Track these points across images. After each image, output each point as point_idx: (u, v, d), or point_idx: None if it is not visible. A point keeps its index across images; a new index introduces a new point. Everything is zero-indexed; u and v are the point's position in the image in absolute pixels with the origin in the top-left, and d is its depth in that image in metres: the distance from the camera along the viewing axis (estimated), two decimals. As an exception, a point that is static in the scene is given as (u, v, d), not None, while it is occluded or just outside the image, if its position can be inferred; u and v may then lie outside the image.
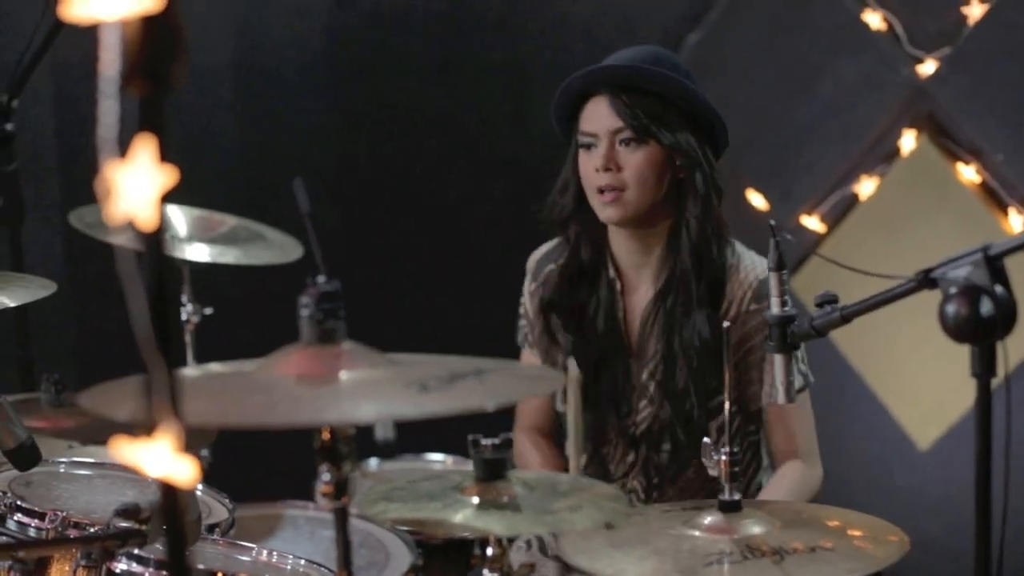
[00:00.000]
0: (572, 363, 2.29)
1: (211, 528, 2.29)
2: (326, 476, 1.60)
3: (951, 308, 1.63)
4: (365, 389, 1.58)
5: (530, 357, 2.70)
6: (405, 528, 2.53)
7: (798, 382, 2.08)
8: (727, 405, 2.03)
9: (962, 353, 1.65)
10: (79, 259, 3.72)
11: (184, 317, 3.16)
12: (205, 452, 3.06)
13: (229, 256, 3.10)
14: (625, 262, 2.58)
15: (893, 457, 3.81)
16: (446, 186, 4.19)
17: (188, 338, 3.17)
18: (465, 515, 1.79)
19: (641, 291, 2.58)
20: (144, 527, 1.81)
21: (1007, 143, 3.64)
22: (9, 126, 3.08)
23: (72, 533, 2.09)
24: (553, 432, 2.77)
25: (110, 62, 1.12)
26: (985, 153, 3.67)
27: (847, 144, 3.82)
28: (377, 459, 3.28)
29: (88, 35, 1.17)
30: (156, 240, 1.14)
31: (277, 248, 3.19)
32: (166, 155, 1.13)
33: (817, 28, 3.83)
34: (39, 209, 3.61)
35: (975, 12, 3.65)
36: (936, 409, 3.73)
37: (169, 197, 1.14)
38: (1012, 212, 3.65)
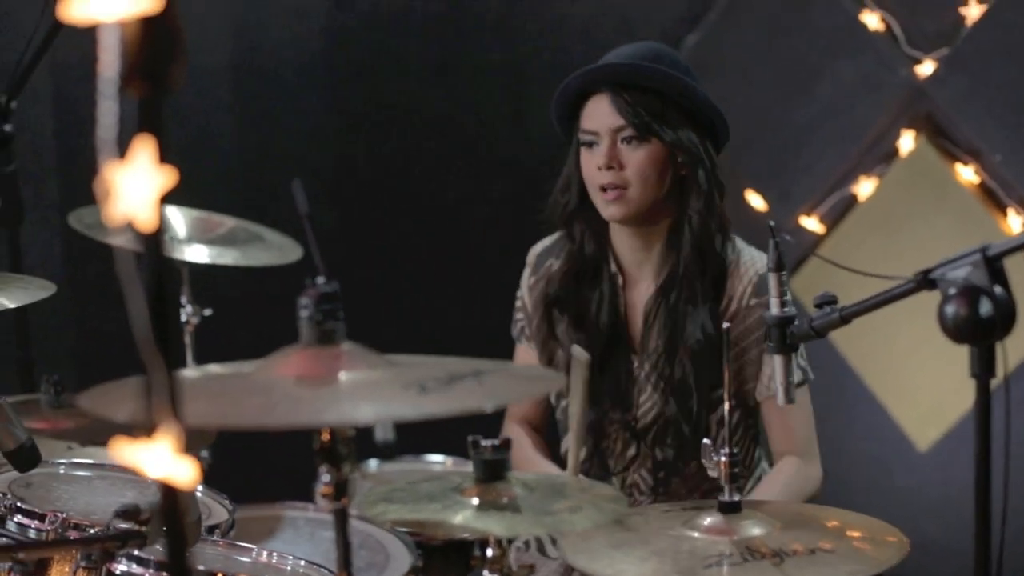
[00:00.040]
0: (577, 349, 2.30)
1: (211, 529, 2.29)
2: (326, 477, 1.60)
3: (950, 309, 1.63)
4: (364, 390, 1.58)
5: (526, 351, 2.70)
6: (405, 529, 2.53)
7: (797, 377, 2.08)
8: (727, 406, 2.03)
9: (961, 354, 1.65)
10: (78, 260, 3.72)
11: (183, 318, 3.16)
12: (205, 453, 3.06)
13: (228, 257, 3.10)
14: (627, 258, 2.59)
15: (892, 458, 3.81)
16: (445, 187, 4.19)
17: (187, 339, 3.17)
18: (465, 516, 1.80)
19: (642, 286, 2.58)
20: (144, 528, 1.81)
21: (1005, 144, 3.64)
22: (8, 127, 3.08)
23: (72, 534, 2.09)
24: (543, 426, 2.77)
25: (109, 63, 1.12)
26: (983, 154, 3.67)
27: (846, 145, 3.82)
28: (377, 460, 3.28)
29: (87, 36, 1.17)
30: (155, 241, 1.14)
31: (276, 249, 3.19)
32: (165, 156, 1.13)
33: (815, 29, 3.83)
34: (38, 210, 3.61)
35: (973, 13, 3.65)
36: (935, 410, 3.73)
37: (168, 198, 1.14)
38: (1011, 213, 3.65)
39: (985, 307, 1.61)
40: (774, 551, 1.86)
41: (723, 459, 1.98)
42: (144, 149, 1.12)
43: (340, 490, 1.60)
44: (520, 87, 4.13)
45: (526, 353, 2.70)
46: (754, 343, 2.50)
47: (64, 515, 2.10)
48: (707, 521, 1.95)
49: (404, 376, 1.62)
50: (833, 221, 3.85)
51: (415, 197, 4.18)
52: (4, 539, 2.11)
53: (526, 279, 2.70)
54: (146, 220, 1.13)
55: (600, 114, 2.48)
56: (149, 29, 1.11)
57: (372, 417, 1.97)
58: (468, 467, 1.90)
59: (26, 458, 2.13)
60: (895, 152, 3.79)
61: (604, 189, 2.48)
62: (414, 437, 3.17)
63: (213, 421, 1.68)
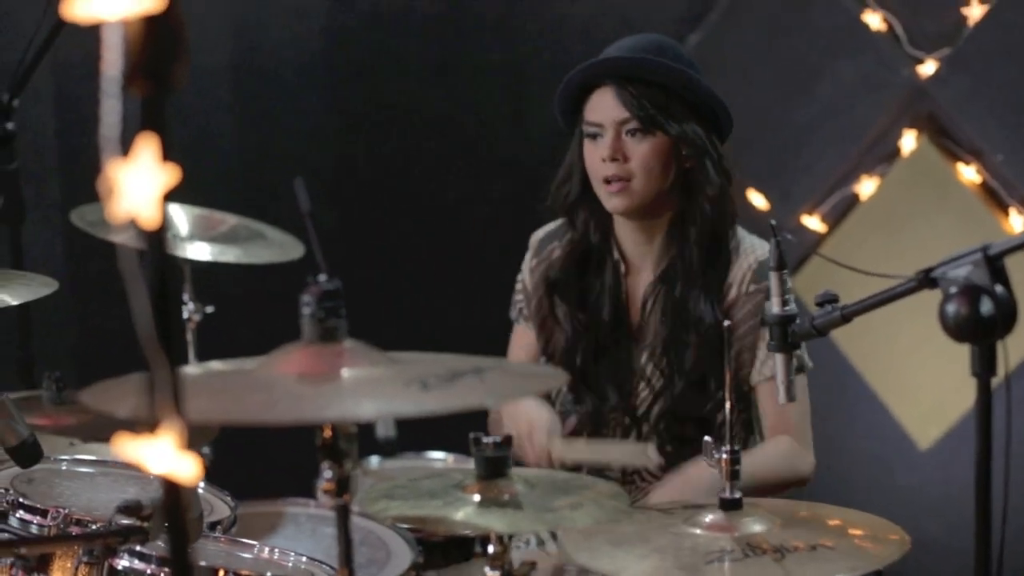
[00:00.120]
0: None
1: (213, 526, 2.29)
2: (328, 474, 1.61)
3: (951, 308, 1.63)
4: (366, 387, 1.58)
5: (523, 332, 2.71)
6: (406, 526, 2.53)
7: (794, 360, 2.08)
8: (728, 404, 2.04)
9: (962, 353, 1.65)
10: (80, 258, 3.72)
11: (185, 315, 3.16)
12: (206, 450, 3.07)
13: (230, 255, 3.10)
14: (629, 249, 2.60)
15: (893, 456, 3.81)
16: (445, 186, 4.19)
17: (189, 336, 3.17)
18: (466, 513, 1.80)
19: (643, 275, 2.60)
20: (146, 524, 1.81)
21: (1007, 143, 3.64)
22: (10, 125, 3.08)
23: (74, 530, 2.09)
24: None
25: (112, 62, 1.12)
26: (985, 153, 3.67)
27: (847, 144, 3.82)
28: (378, 457, 3.28)
29: (88, 35, 1.18)
30: (158, 239, 1.14)
31: (278, 247, 3.20)
32: (168, 154, 1.13)
33: (817, 29, 3.83)
34: (40, 208, 3.62)
35: (975, 13, 3.66)
36: (936, 409, 3.73)
37: (170, 196, 1.15)
38: (1012, 212, 3.65)
39: (986, 306, 1.61)
40: (775, 547, 1.86)
41: (724, 456, 1.98)
42: (147, 147, 1.13)
43: (342, 486, 1.61)
44: (520, 87, 4.13)
45: (523, 334, 2.71)
46: (751, 329, 2.50)
47: (66, 511, 2.10)
48: (708, 518, 1.95)
49: (406, 373, 1.62)
50: (835, 220, 3.85)
51: (415, 196, 4.18)
52: (6, 535, 2.11)
53: (527, 261, 2.71)
54: (149, 218, 1.13)
55: (605, 107, 2.49)
56: (152, 28, 1.12)
57: (374, 414, 1.98)
58: (469, 464, 1.90)
59: (28, 454, 2.14)
60: (897, 152, 3.79)
61: (608, 181, 2.49)
62: (415, 434, 3.17)
63: (215, 418, 1.68)
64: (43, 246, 3.69)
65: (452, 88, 4.16)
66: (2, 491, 2.16)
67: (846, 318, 1.95)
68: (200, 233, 3.16)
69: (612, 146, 2.48)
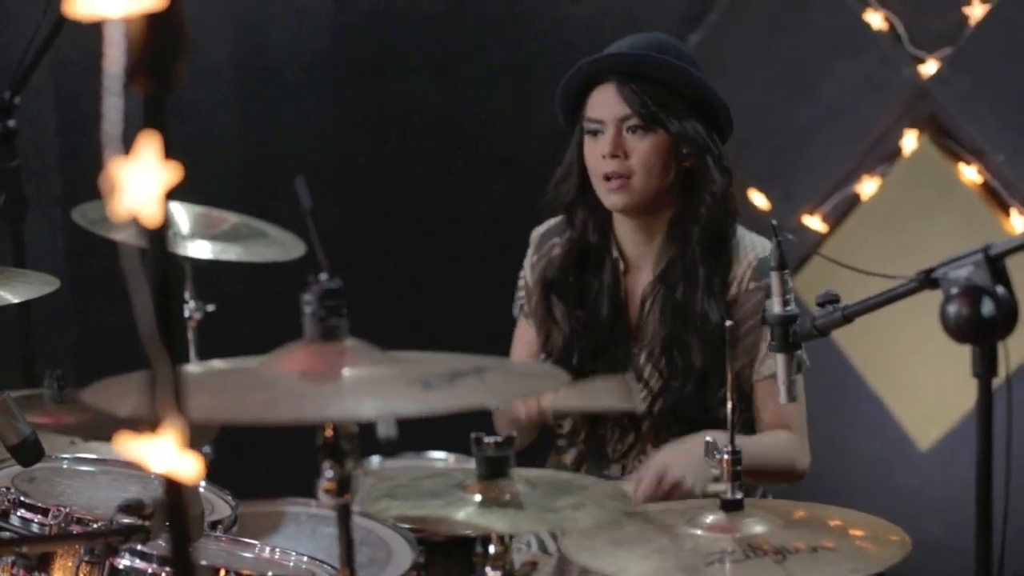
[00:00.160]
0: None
1: (214, 525, 2.29)
2: (329, 473, 1.61)
3: (952, 308, 1.63)
4: (367, 386, 1.58)
5: (526, 328, 2.71)
6: (407, 526, 2.53)
7: (795, 360, 2.08)
8: (729, 404, 2.04)
9: (963, 353, 1.65)
10: (81, 255, 3.72)
11: (186, 314, 3.16)
12: (207, 449, 3.07)
13: (231, 253, 3.10)
14: (628, 247, 2.60)
15: (894, 457, 3.81)
16: (447, 185, 4.19)
17: (190, 335, 3.17)
18: (467, 513, 1.80)
19: (643, 275, 2.59)
20: (147, 523, 1.81)
21: (1008, 143, 3.64)
22: (11, 123, 3.08)
23: (75, 529, 2.09)
24: None
25: (114, 59, 1.12)
26: (986, 153, 3.67)
27: (849, 144, 3.82)
28: (379, 457, 3.28)
29: (89, 32, 1.18)
30: (160, 237, 1.14)
31: (279, 245, 3.19)
32: (170, 152, 1.13)
33: (818, 28, 3.83)
34: (41, 206, 3.62)
35: (976, 12, 3.65)
36: (937, 409, 3.73)
37: (171, 194, 1.15)
38: (1013, 212, 3.65)
39: (987, 307, 1.61)
40: (776, 549, 1.86)
41: (725, 457, 1.98)
42: (149, 145, 1.12)
43: (343, 486, 1.61)
44: (523, 86, 4.13)
45: (526, 331, 2.71)
46: (752, 328, 2.50)
47: (67, 510, 2.10)
48: (709, 519, 1.95)
49: (407, 372, 1.62)
50: (836, 220, 3.85)
51: (417, 195, 4.18)
52: (7, 533, 2.11)
53: (529, 257, 2.71)
54: (151, 216, 1.13)
55: (606, 103, 2.49)
56: (154, 25, 1.11)
57: (375, 413, 1.98)
58: (471, 464, 1.90)
59: (29, 453, 2.14)
60: (898, 152, 3.79)
61: (608, 178, 2.49)
62: (417, 433, 3.16)
63: (216, 416, 1.68)
64: (44, 244, 3.69)
65: (454, 87, 4.16)
66: (3, 490, 2.15)
67: (847, 318, 1.95)
68: (201, 231, 3.16)
69: (613, 142, 2.48)
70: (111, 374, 1.60)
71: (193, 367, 1.78)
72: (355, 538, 1.65)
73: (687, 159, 2.51)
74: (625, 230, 2.59)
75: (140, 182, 1.12)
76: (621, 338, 2.59)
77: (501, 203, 3.89)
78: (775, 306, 2.04)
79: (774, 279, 2.05)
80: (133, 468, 2.35)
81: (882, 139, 3.80)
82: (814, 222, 3.86)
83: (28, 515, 2.12)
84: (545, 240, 2.69)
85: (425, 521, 1.94)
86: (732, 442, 1.99)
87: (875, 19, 3.77)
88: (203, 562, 2.10)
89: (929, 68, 3.72)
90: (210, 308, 3.19)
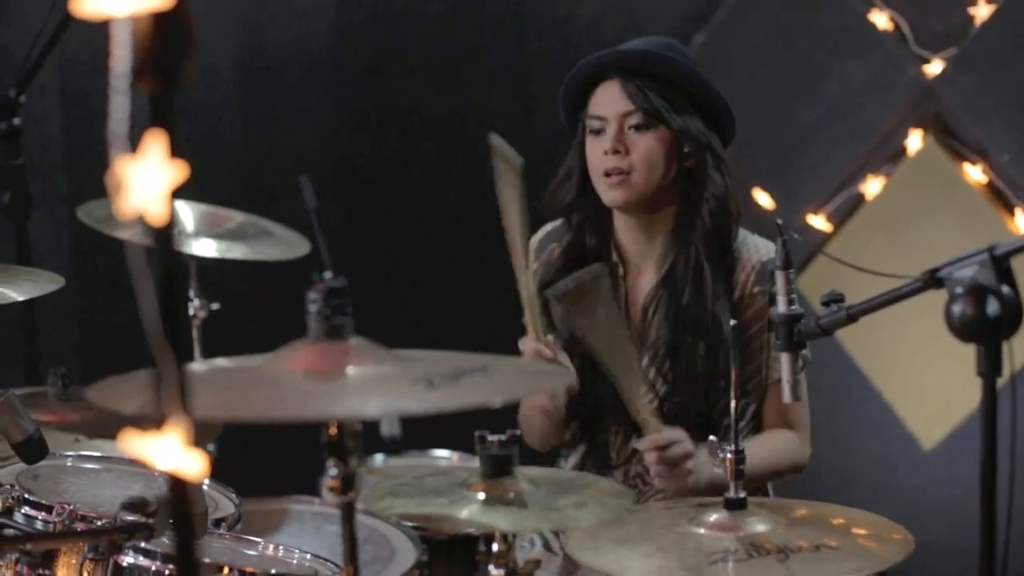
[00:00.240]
0: (497, 138, 2.32)
1: (217, 522, 2.29)
2: (333, 471, 1.61)
3: (957, 308, 1.63)
4: (372, 384, 1.58)
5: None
6: (410, 524, 2.53)
7: (799, 360, 2.09)
8: (733, 404, 2.04)
9: (968, 353, 1.65)
10: (86, 254, 3.73)
11: (191, 312, 3.16)
12: (211, 447, 3.07)
13: (236, 252, 3.10)
14: (629, 249, 2.59)
15: (898, 457, 3.81)
16: (451, 184, 4.19)
17: (195, 333, 3.17)
18: (471, 511, 1.80)
19: (644, 278, 2.59)
20: (151, 520, 1.81)
21: (1013, 143, 3.64)
22: (16, 121, 3.09)
23: (79, 526, 2.09)
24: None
25: (121, 58, 1.12)
26: (991, 153, 3.67)
27: (853, 144, 3.82)
28: (383, 455, 3.28)
29: (94, 31, 1.18)
30: (165, 235, 1.14)
31: (284, 244, 3.20)
32: (176, 151, 1.13)
33: (823, 28, 3.83)
34: (46, 204, 3.62)
35: (982, 12, 3.65)
36: (941, 409, 3.73)
37: (177, 193, 1.15)
38: (1018, 212, 3.65)
39: (992, 306, 1.61)
40: (779, 548, 1.86)
41: (728, 456, 1.98)
42: (155, 144, 1.13)
43: (347, 484, 1.61)
44: (524, 86, 4.13)
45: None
46: (759, 332, 2.50)
47: (71, 507, 2.11)
48: (712, 518, 1.95)
49: (411, 371, 1.63)
50: (840, 220, 3.85)
51: (421, 193, 4.18)
52: (11, 530, 2.11)
53: (531, 266, 2.71)
54: (157, 214, 1.14)
55: (609, 99, 2.49)
56: (161, 24, 1.12)
57: (379, 411, 1.98)
58: (474, 462, 1.90)
59: (33, 450, 2.14)
60: (903, 151, 3.79)
61: (608, 174, 2.48)
62: (420, 432, 3.17)
63: (221, 414, 1.69)
64: (49, 242, 3.70)
65: (455, 87, 4.16)
66: (7, 487, 2.16)
67: (852, 318, 1.95)
68: (206, 230, 3.16)
69: (614, 138, 2.48)
70: (116, 372, 1.60)
71: (198, 365, 1.79)
72: (359, 536, 1.65)
73: (688, 158, 2.51)
74: (625, 230, 2.58)
75: (146, 181, 1.12)
76: None
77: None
78: (780, 306, 2.05)
79: (779, 278, 2.05)
80: (137, 466, 2.36)
81: (887, 139, 3.80)
82: (819, 221, 3.86)
83: (32, 512, 2.12)
84: (544, 245, 2.68)
85: (429, 519, 1.94)
86: (735, 441, 1.99)
87: (880, 19, 3.76)
88: (207, 560, 2.11)
89: (934, 68, 3.71)
90: (215, 306, 3.19)
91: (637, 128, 2.48)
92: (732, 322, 2.12)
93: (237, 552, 2.23)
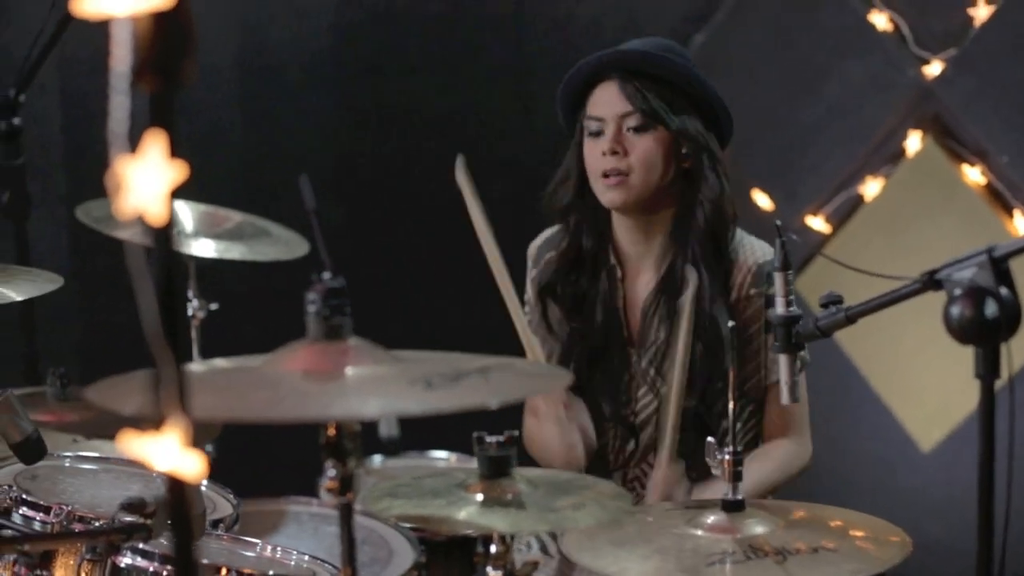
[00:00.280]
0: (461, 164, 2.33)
1: (216, 524, 2.29)
2: (331, 472, 1.61)
3: (955, 309, 1.63)
4: (370, 385, 1.58)
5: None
6: (409, 525, 2.53)
7: (797, 361, 2.09)
8: (731, 406, 2.04)
9: (966, 355, 1.65)
10: (85, 253, 3.73)
11: (190, 312, 3.16)
12: (210, 447, 3.07)
13: (235, 252, 3.10)
14: (627, 250, 2.59)
15: (896, 458, 3.81)
16: (448, 185, 4.18)
17: (194, 333, 3.17)
18: (469, 512, 1.80)
19: (642, 280, 2.59)
20: (149, 521, 1.81)
21: (1012, 145, 3.64)
22: (16, 120, 3.09)
23: (77, 527, 2.09)
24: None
25: (121, 58, 1.12)
26: (990, 155, 3.67)
27: (853, 145, 3.82)
28: (381, 456, 3.28)
29: (94, 30, 1.18)
30: (165, 235, 1.14)
31: (283, 244, 3.20)
32: (176, 151, 1.13)
33: (823, 29, 3.83)
34: (46, 204, 3.62)
35: (981, 14, 3.65)
36: (940, 410, 3.73)
37: (176, 193, 1.15)
38: (1017, 214, 3.65)
39: (990, 308, 1.61)
40: (777, 549, 1.86)
41: (726, 457, 1.98)
42: (155, 143, 1.13)
43: (345, 485, 1.61)
44: (524, 86, 4.13)
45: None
46: (757, 333, 2.50)
47: (69, 508, 2.11)
48: (710, 519, 1.95)
49: (410, 372, 1.63)
50: (839, 221, 3.85)
51: (420, 194, 4.18)
52: (9, 531, 2.11)
53: (528, 272, 2.71)
54: (156, 214, 1.13)
55: (608, 100, 2.49)
56: (161, 24, 1.12)
57: (378, 412, 1.98)
58: (472, 463, 1.90)
59: (32, 450, 2.14)
60: (902, 152, 3.79)
61: (606, 175, 2.48)
62: (419, 433, 3.17)
63: (219, 415, 1.69)
64: (48, 242, 3.70)
65: (455, 87, 4.16)
66: (5, 488, 2.16)
67: (850, 319, 1.95)
68: (205, 230, 3.16)
69: (613, 139, 2.48)
70: (114, 372, 1.60)
71: (196, 366, 1.79)
72: (357, 537, 1.65)
73: (686, 159, 2.51)
74: (623, 231, 2.58)
75: (146, 181, 1.12)
76: (619, 345, 2.58)
77: (502, 203, 3.88)
78: (778, 307, 2.05)
79: (777, 279, 2.05)
80: (136, 466, 2.36)
81: (886, 140, 3.80)
82: (817, 223, 3.86)
83: (30, 513, 2.12)
84: (542, 253, 2.69)
85: (427, 520, 1.94)
86: (733, 441, 1.99)
87: (880, 20, 3.77)
88: (205, 561, 2.11)
89: (934, 69, 3.72)
90: (214, 307, 3.19)
91: (636, 129, 2.48)
92: (731, 324, 2.11)
93: (235, 553, 2.23)
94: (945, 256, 1.72)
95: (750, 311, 2.51)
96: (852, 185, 3.83)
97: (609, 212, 2.57)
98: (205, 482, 2.42)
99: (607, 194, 2.49)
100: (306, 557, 2.24)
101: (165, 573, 2.02)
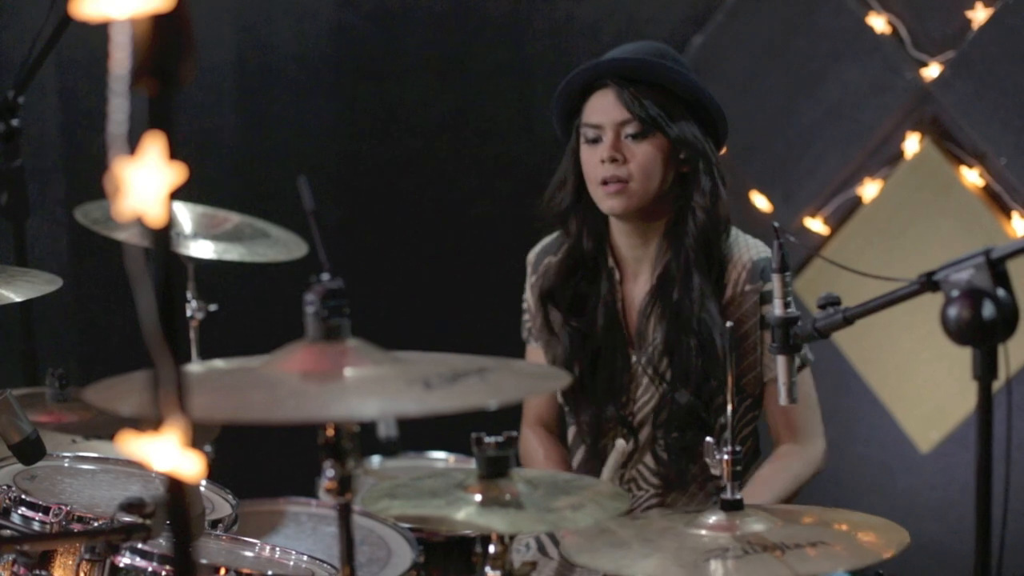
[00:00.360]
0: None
1: (214, 524, 2.29)
2: (330, 472, 1.61)
3: (953, 311, 1.63)
4: (369, 386, 1.58)
5: (534, 351, 2.72)
6: (407, 525, 2.54)
7: (796, 361, 2.09)
8: (729, 407, 2.04)
9: (964, 356, 1.65)
10: (84, 255, 3.73)
11: (188, 314, 3.16)
12: (208, 448, 3.07)
13: (234, 253, 3.10)
14: (625, 253, 2.60)
15: (894, 460, 3.81)
16: (449, 186, 4.20)
17: (192, 334, 3.17)
18: (467, 513, 1.80)
19: (640, 281, 2.59)
20: (148, 521, 1.81)
21: (1010, 147, 3.64)
22: (15, 122, 3.09)
23: (76, 527, 2.09)
24: (558, 427, 2.79)
25: (120, 60, 1.13)
26: (988, 157, 3.67)
27: (851, 147, 3.82)
28: (380, 456, 3.28)
29: (93, 32, 1.18)
30: (164, 236, 1.15)
31: (281, 245, 3.20)
32: (175, 152, 1.14)
33: (822, 31, 3.83)
34: (44, 205, 3.63)
35: (979, 16, 3.66)
36: (937, 412, 3.73)
37: (174, 194, 1.15)
38: (1015, 216, 3.65)
39: (988, 310, 1.62)
40: (776, 545, 1.87)
41: (725, 457, 1.99)
42: (154, 145, 1.13)
43: (344, 485, 1.61)
44: (524, 87, 4.13)
45: (535, 353, 2.72)
46: (753, 329, 2.51)
47: (68, 508, 2.11)
48: (710, 519, 1.96)
49: (409, 372, 1.63)
50: (837, 223, 3.85)
51: (420, 195, 4.19)
52: (8, 531, 2.11)
53: (528, 279, 2.72)
54: (155, 215, 1.14)
55: (605, 107, 2.49)
56: (159, 26, 1.12)
57: (376, 413, 1.98)
58: (471, 464, 1.90)
59: (31, 451, 2.14)
60: (900, 154, 3.79)
61: (606, 183, 2.49)
62: (417, 433, 3.18)
63: (218, 415, 1.69)
64: (47, 243, 3.70)
65: (457, 87, 4.17)
66: (4, 488, 2.16)
67: (848, 320, 1.95)
68: (204, 231, 3.16)
69: (612, 147, 2.48)
70: (113, 373, 1.60)
71: (195, 367, 1.79)
72: (355, 537, 1.65)
73: (684, 164, 2.52)
74: (621, 236, 2.59)
75: (145, 182, 1.12)
76: (619, 347, 2.59)
77: (502, 203, 3.90)
78: (776, 308, 2.05)
79: (775, 281, 2.06)
80: (134, 467, 2.36)
81: (884, 142, 3.80)
82: (816, 224, 3.87)
83: (29, 513, 2.12)
84: (541, 259, 2.69)
85: (425, 521, 1.94)
86: (732, 441, 2.00)
87: (878, 22, 3.77)
88: (204, 561, 2.11)
89: (932, 71, 3.72)
90: (212, 308, 3.19)
91: (634, 137, 2.48)
92: (728, 324, 2.12)
93: (234, 553, 2.23)
94: (943, 258, 1.72)
95: (746, 307, 2.51)
96: (850, 187, 3.83)
97: (607, 216, 2.57)
98: (204, 482, 2.42)
99: (607, 201, 2.50)
100: (305, 557, 2.24)
101: (164, 573, 2.02)
